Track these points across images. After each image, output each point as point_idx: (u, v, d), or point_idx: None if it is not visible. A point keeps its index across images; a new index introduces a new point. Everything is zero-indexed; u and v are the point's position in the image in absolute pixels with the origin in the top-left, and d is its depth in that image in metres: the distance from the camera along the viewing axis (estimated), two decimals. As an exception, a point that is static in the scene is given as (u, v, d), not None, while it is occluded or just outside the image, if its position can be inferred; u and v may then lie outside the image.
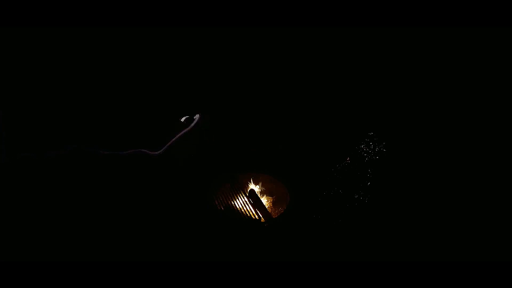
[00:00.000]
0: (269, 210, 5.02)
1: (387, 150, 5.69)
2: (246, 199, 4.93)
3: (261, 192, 5.31)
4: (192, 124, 5.03)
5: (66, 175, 4.89)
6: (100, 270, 3.40)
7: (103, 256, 4.05)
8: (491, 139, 5.47)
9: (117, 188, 5.03)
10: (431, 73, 6.14)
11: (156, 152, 4.88)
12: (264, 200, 5.17)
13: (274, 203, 5.24)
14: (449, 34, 5.75)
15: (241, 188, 5.17)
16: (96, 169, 5.08)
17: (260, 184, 5.39)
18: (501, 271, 3.29)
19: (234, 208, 4.83)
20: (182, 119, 4.96)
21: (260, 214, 4.68)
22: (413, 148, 5.71)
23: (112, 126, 5.87)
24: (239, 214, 4.76)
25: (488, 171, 5.12)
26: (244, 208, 4.81)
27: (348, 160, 5.46)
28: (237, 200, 4.96)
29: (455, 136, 5.72)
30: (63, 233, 4.32)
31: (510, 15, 4.61)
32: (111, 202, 4.81)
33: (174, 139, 4.89)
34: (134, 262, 3.70)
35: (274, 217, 4.79)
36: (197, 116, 5.15)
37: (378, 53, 6.33)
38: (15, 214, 4.40)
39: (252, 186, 5.35)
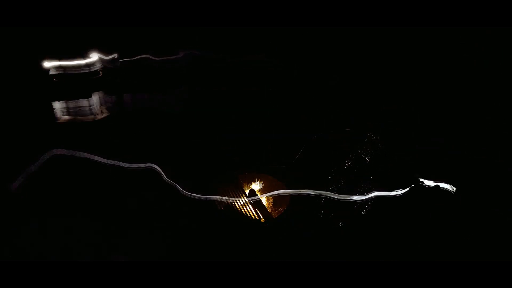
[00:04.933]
0: (269, 210, 5.02)
1: (387, 151, 5.69)
2: (246, 199, 4.94)
3: (261, 192, 5.32)
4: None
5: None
6: (99, 270, 3.41)
7: (102, 256, 4.06)
8: (490, 138, 5.46)
9: (116, 188, 5.05)
10: (430, 74, 6.14)
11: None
12: (264, 200, 5.18)
13: (274, 203, 5.24)
14: (449, 34, 5.75)
15: (241, 188, 5.18)
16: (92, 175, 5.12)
17: (260, 184, 5.39)
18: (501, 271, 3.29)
19: (234, 208, 4.83)
20: None
21: (260, 214, 4.69)
22: (413, 148, 5.70)
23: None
24: (239, 214, 4.77)
25: (488, 170, 5.12)
26: (244, 208, 4.81)
27: (350, 160, 5.44)
28: (237, 200, 4.96)
29: (455, 135, 5.72)
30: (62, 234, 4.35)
31: (509, 15, 4.61)
32: (111, 203, 4.82)
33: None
34: (134, 262, 3.71)
35: (274, 217, 4.80)
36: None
37: (379, 54, 6.33)
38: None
39: (252, 186, 5.36)
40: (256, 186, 5.44)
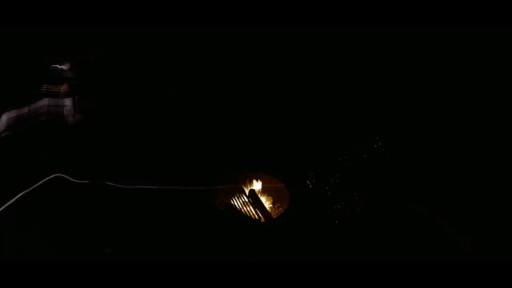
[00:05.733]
0: (269, 210, 5.02)
1: (386, 151, 5.69)
2: (246, 199, 4.94)
3: (261, 192, 5.32)
4: None
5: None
6: (99, 270, 3.41)
7: (102, 256, 4.06)
8: (490, 138, 5.47)
9: (116, 188, 5.05)
10: (430, 74, 6.14)
11: None
12: (264, 200, 5.18)
13: (274, 203, 5.24)
14: (449, 34, 5.76)
15: (241, 188, 5.18)
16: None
17: (260, 184, 5.39)
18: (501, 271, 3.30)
19: (234, 208, 4.83)
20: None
21: (260, 214, 4.69)
22: (413, 148, 5.70)
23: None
24: (239, 214, 4.77)
25: (488, 170, 5.13)
26: (244, 208, 4.81)
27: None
28: (237, 200, 4.96)
29: (455, 135, 5.73)
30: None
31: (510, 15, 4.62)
32: (111, 203, 4.82)
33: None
34: (134, 262, 3.71)
35: (274, 217, 4.81)
36: None
37: (379, 54, 6.33)
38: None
39: (252, 186, 5.35)
40: (257, 186, 5.45)
